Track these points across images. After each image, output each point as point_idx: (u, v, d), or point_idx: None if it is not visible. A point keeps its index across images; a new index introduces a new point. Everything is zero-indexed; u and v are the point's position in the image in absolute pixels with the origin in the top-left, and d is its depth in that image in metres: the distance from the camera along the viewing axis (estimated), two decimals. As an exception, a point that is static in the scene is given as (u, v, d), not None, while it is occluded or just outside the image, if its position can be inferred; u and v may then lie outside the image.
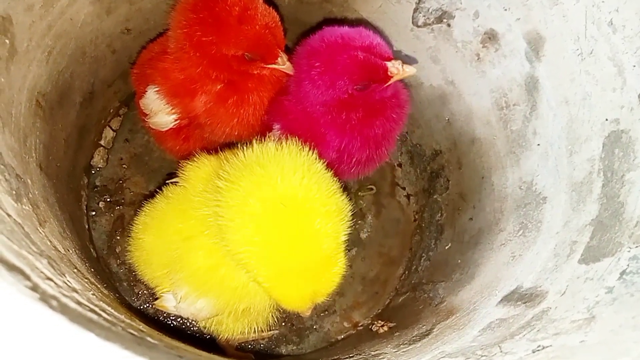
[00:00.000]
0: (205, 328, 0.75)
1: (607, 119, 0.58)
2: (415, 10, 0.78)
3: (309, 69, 0.69)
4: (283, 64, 0.71)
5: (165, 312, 0.84)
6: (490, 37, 0.72)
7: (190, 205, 0.63)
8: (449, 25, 0.76)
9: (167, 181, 0.73)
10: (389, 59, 0.67)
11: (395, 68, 0.66)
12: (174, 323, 0.87)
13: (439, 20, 0.77)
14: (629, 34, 0.55)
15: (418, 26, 0.80)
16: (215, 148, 0.86)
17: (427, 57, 0.83)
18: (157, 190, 0.73)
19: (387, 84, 0.68)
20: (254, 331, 0.73)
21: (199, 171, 0.67)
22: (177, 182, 0.70)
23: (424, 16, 0.78)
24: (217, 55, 0.69)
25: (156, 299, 0.70)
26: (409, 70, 0.67)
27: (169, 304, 0.66)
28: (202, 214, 0.59)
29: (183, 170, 0.69)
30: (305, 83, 0.70)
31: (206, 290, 0.62)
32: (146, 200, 0.74)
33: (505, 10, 0.68)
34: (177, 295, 0.64)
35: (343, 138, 0.72)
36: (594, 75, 0.59)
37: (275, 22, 0.69)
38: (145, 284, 0.76)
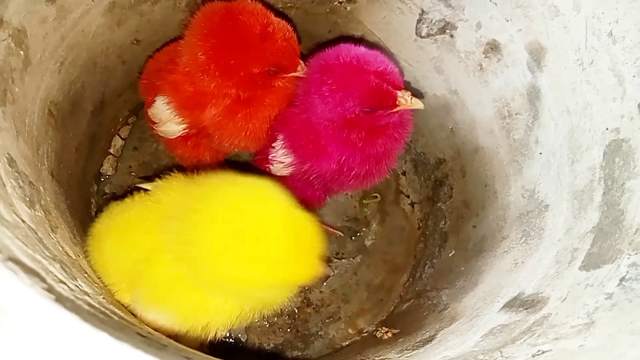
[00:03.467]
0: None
1: (607, 128, 0.59)
2: (419, 21, 0.79)
3: (320, 84, 0.70)
4: (302, 71, 0.73)
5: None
6: (493, 48, 0.73)
7: (158, 224, 0.63)
8: (451, 36, 0.77)
9: (137, 185, 0.73)
10: (400, 89, 0.69)
11: (404, 99, 0.68)
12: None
13: (442, 31, 0.78)
14: (629, 44, 0.56)
15: (421, 37, 0.81)
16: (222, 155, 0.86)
17: (431, 67, 0.84)
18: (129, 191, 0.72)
19: (392, 111, 0.70)
20: None
21: (171, 192, 0.66)
22: (148, 189, 0.70)
23: (427, 27, 0.79)
24: (245, 75, 0.71)
25: None
26: (416, 104, 0.69)
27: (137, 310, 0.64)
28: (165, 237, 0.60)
29: (158, 185, 0.68)
30: (313, 96, 0.71)
31: (165, 306, 0.62)
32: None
33: (507, 21, 0.69)
34: (136, 306, 0.63)
35: (344, 152, 0.73)
36: (594, 85, 0.60)
37: (290, 33, 0.72)
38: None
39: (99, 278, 0.66)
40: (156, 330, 0.63)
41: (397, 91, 0.68)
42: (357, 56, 0.69)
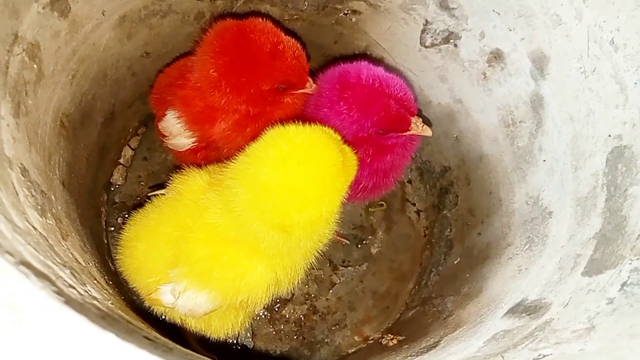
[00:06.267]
0: (193, 326, 0.75)
1: (610, 135, 0.59)
2: (423, 31, 0.80)
3: (338, 99, 0.72)
4: (310, 87, 0.75)
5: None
6: (496, 57, 0.74)
7: (186, 214, 0.66)
8: (455, 45, 0.78)
9: (150, 194, 0.75)
10: (413, 115, 0.72)
11: (416, 125, 0.72)
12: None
13: (446, 40, 0.79)
14: (630, 52, 0.57)
15: (426, 47, 0.82)
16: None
17: (435, 77, 0.85)
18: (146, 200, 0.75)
19: (402, 134, 0.73)
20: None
21: (190, 183, 0.69)
22: (163, 193, 0.72)
23: (432, 37, 0.80)
24: (255, 92, 0.73)
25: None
26: (426, 131, 0.73)
27: (165, 297, 0.66)
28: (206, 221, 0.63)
29: (173, 182, 0.71)
30: (326, 110, 0.73)
31: (207, 281, 0.63)
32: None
33: (510, 30, 0.70)
34: (176, 290, 0.64)
35: None
36: (597, 93, 0.61)
37: (300, 50, 0.73)
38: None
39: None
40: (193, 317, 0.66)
41: (411, 117, 0.71)
42: (379, 78, 0.71)
